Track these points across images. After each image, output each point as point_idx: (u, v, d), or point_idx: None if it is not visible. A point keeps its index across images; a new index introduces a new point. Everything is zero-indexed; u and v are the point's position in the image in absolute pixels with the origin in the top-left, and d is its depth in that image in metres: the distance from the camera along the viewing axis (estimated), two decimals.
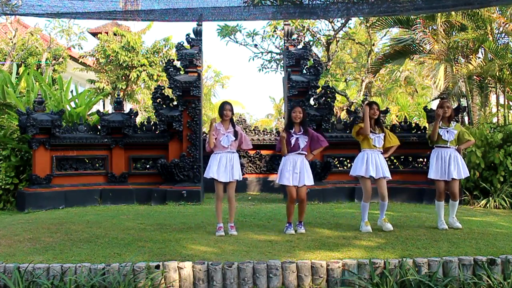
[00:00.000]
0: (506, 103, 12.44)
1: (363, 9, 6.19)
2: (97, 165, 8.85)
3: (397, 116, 19.09)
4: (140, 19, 6.50)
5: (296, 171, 5.30)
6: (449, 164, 5.57)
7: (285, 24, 9.67)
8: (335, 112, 14.97)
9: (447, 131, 5.63)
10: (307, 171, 5.38)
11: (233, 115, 5.58)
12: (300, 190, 5.36)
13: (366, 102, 5.73)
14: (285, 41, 9.33)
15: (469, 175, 5.72)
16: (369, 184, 5.51)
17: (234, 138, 5.42)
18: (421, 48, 12.42)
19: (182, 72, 8.96)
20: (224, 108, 5.49)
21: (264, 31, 18.01)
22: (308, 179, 5.37)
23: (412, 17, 12.52)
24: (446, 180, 5.59)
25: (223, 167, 5.34)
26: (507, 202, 7.84)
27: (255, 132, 11.19)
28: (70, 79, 12.14)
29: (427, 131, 5.84)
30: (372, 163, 5.46)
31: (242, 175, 6.02)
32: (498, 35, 12.14)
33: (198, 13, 6.02)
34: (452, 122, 5.73)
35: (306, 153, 5.44)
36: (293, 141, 5.35)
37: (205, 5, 5.65)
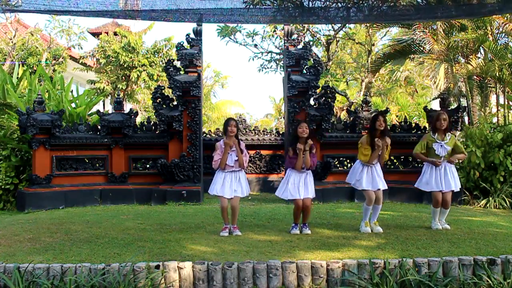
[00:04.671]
0: (506, 103, 12.45)
1: (363, 13, 6.20)
2: (97, 165, 8.85)
3: (397, 116, 19.09)
4: (141, 18, 6.50)
5: (301, 185, 5.39)
6: (444, 175, 5.58)
7: (285, 24, 9.66)
8: (335, 112, 14.96)
9: (441, 146, 5.60)
10: (311, 185, 5.47)
11: (238, 132, 5.53)
12: (306, 201, 5.41)
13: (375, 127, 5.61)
14: (285, 41, 9.32)
15: (459, 189, 5.77)
16: (372, 192, 5.51)
17: (237, 158, 5.39)
18: (421, 48, 12.44)
19: (182, 72, 8.96)
20: (229, 124, 5.41)
21: (264, 31, 18.04)
22: (311, 192, 5.45)
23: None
24: (442, 190, 5.59)
25: (228, 184, 5.36)
26: (507, 202, 7.84)
27: (255, 132, 11.18)
28: (71, 79, 12.15)
29: (418, 145, 5.82)
30: (368, 175, 5.50)
31: None
32: (498, 35, 12.15)
33: (199, 14, 6.02)
34: (447, 135, 5.66)
35: (309, 170, 5.49)
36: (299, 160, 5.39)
37: (206, 6, 5.65)
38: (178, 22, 6.38)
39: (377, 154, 5.46)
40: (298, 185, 5.40)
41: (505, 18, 11.15)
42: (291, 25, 9.37)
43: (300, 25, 16.33)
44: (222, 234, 5.30)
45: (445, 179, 5.58)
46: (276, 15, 6.39)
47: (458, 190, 5.76)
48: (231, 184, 5.37)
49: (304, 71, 9.00)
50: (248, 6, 5.70)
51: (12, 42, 16.29)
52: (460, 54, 12.52)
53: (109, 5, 5.50)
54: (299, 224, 5.48)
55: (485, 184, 8.15)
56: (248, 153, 5.70)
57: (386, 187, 5.62)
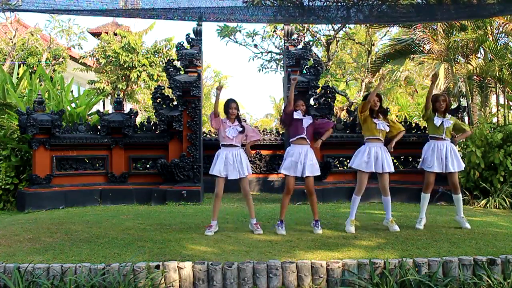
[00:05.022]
0: (506, 103, 12.45)
1: (363, 14, 6.21)
2: (97, 165, 8.85)
3: (397, 116, 19.08)
4: (141, 17, 6.51)
5: (300, 161, 5.21)
6: (446, 157, 5.53)
7: (285, 24, 9.67)
8: (335, 112, 14.96)
9: (443, 121, 5.59)
10: (313, 161, 5.31)
11: (238, 113, 5.49)
12: (307, 182, 5.28)
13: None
14: (285, 41, 9.33)
15: (463, 168, 5.74)
16: (366, 178, 5.44)
17: (241, 130, 5.36)
18: (421, 48, 12.44)
19: (182, 72, 8.96)
20: (230, 106, 5.39)
21: (264, 31, 18.03)
22: (313, 169, 5.28)
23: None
24: (443, 172, 5.57)
25: (231, 164, 5.25)
26: (507, 202, 7.83)
27: None
28: (71, 79, 12.16)
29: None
30: (373, 157, 5.37)
31: None
32: (498, 35, 12.15)
33: (199, 12, 6.03)
34: (447, 114, 5.69)
35: (309, 141, 5.35)
36: (298, 122, 5.28)
37: (206, 4, 5.67)
38: (178, 21, 6.39)
39: (377, 89, 5.46)
40: (296, 161, 5.19)
41: (505, 18, 11.15)
42: (291, 25, 9.38)
43: (300, 25, 16.33)
44: (207, 232, 5.16)
45: (446, 160, 5.52)
46: (276, 15, 6.40)
47: (462, 169, 5.71)
48: (234, 164, 5.24)
49: (304, 71, 9.01)
50: (248, 6, 5.71)
51: (12, 42, 16.29)
52: (460, 54, 12.52)
53: (110, 3, 5.51)
54: (300, 221, 5.45)
55: (485, 184, 8.15)
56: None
57: (392, 170, 5.47)
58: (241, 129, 5.36)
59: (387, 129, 5.50)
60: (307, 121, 5.34)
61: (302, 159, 5.24)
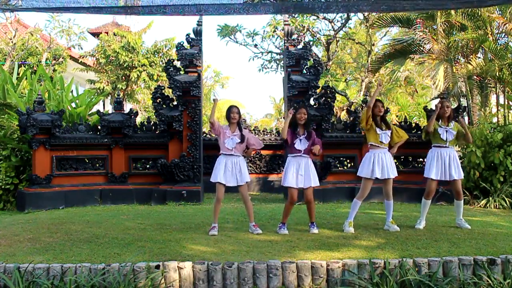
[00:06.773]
0: (506, 103, 12.44)
1: (363, 5, 6.18)
2: (97, 165, 8.85)
3: (397, 116, 19.07)
4: (139, 13, 6.53)
5: (300, 173, 5.31)
6: (449, 165, 5.60)
7: (285, 24, 9.67)
8: (335, 112, 14.94)
9: (446, 131, 5.65)
10: (312, 172, 5.39)
11: (240, 118, 5.59)
12: (307, 192, 5.37)
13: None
14: (285, 41, 9.33)
15: (463, 177, 5.79)
16: (370, 185, 5.52)
17: (239, 141, 5.42)
18: (421, 48, 12.43)
19: (182, 72, 8.96)
20: (231, 111, 5.51)
21: (264, 31, 18.00)
22: (314, 180, 5.37)
23: (412, 16, 12.54)
24: (446, 180, 5.63)
25: (229, 171, 5.37)
26: (507, 202, 7.83)
27: (255, 132, 11.20)
28: (71, 79, 12.14)
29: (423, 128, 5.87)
30: (378, 164, 5.45)
31: None
32: (498, 35, 12.15)
33: (199, 7, 6.03)
34: (450, 122, 5.73)
35: (309, 156, 5.43)
36: (296, 143, 5.36)
37: (205, 1, 5.68)
38: (177, 15, 6.38)
39: (376, 93, 5.51)
40: (297, 173, 5.30)
41: (505, 18, 11.15)
42: (291, 25, 9.39)
43: (300, 24, 16.33)
44: (211, 233, 5.26)
45: (450, 169, 5.59)
46: (277, 8, 6.40)
47: (462, 178, 5.77)
48: (232, 172, 5.37)
49: (304, 71, 9.01)
50: (247, 5, 5.73)
51: (12, 42, 16.28)
52: (460, 54, 12.52)
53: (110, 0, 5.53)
54: (300, 222, 5.46)
55: (485, 184, 8.15)
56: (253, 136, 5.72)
57: (396, 174, 5.59)
58: (239, 140, 5.42)
59: (388, 139, 5.57)
60: (305, 143, 5.37)
61: (303, 171, 5.34)
